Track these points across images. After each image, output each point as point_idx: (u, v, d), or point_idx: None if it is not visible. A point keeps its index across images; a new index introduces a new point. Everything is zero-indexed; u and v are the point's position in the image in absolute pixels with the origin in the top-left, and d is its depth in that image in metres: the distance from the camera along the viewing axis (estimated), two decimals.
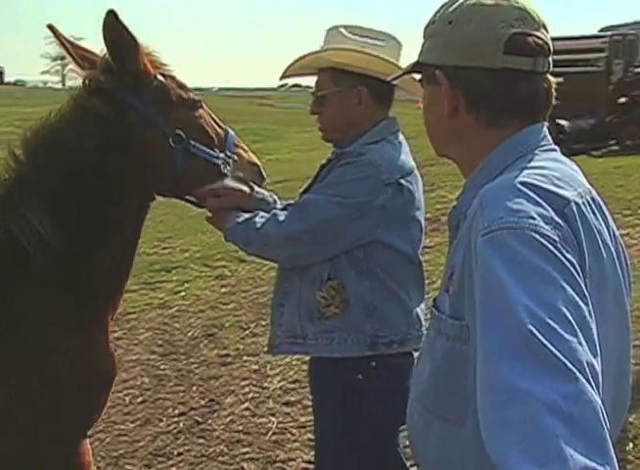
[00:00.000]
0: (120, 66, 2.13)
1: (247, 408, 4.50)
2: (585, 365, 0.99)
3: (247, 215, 2.34)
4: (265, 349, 5.20)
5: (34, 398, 2.08)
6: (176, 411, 4.49)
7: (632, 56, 16.82)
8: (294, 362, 5.07)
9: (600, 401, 0.98)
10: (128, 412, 4.53)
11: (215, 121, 2.40)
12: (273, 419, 4.33)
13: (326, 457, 2.47)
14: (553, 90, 1.37)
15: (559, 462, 0.91)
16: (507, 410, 0.98)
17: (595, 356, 1.03)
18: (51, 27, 2.24)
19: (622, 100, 15.66)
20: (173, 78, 2.30)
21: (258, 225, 2.29)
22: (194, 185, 2.32)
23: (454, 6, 1.36)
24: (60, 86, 73.67)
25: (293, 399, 4.58)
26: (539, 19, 1.35)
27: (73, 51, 2.26)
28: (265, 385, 4.80)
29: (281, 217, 2.30)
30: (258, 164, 2.49)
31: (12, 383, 2.05)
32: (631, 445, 3.58)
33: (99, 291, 2.27)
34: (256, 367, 5.09)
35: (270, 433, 4.17)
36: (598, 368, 1.02)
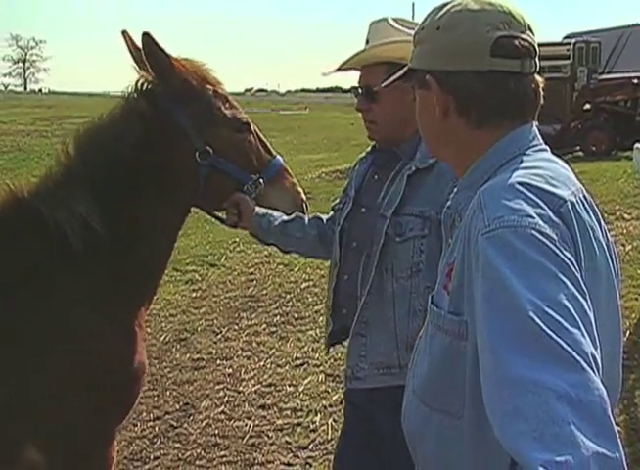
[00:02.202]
0: (160, 79, 2.28)
1: (222, 412, 4.47)
2: (590, 356, 1.03)
3: None
4: (239, 352, 5.30)
5: (76, 393, 2.18)
6: (151, 416, 4.44)
7: (595, 63, 17.16)
8: (268, 366, 5.07)
9: (605, 391, 1.00)
10: None
11: (265, 146, 2.51)
12: (249, 422, 4.30)
13: None
14: (541, 90, 1.41)
15: (572, 448, 0.92)
16: (518, 401, 1.00)
17: (595, 349, 1.06)
18: (125, 34, 2.36)
19: (587, 106, 15.95)
20: (226, 98, 2.42)
21: None
22: (216, 200, 2.45)
23: (441, 12, 1.39)
24: (21, 89, 71.69)
25: (269, 402, 4.56)
26: (525, 21, 1.38)
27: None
28: (240, 388, 4.77)
29: None
30: (304, 198, 2.58)
31: (48, 378, 2.14)
32: None
33: (140, 286, 2.40)
34: (230, 371, 5.06)
35: (247, 436, 4.14)
36: (599, 360, 1.05)
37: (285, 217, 2.50)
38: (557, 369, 0.99)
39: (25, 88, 77.90)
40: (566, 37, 19.36)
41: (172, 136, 2.30)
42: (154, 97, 2.29)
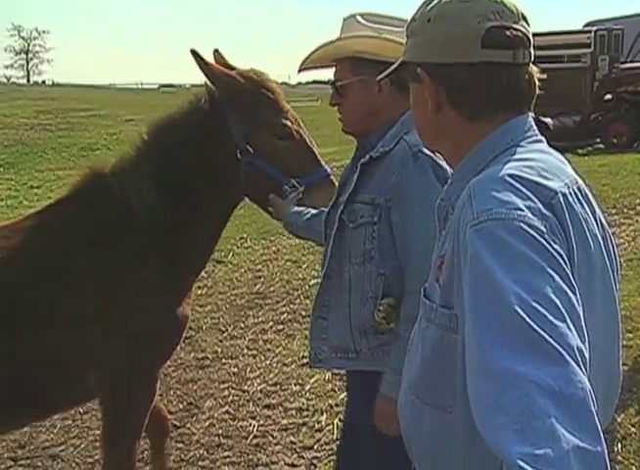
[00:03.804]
0: (214, 85, 2.68)
1: (226, 412, 4.40)
2: (575, 350, 1.02)
3: None
4: (244, 350, 5.22)
5: (130, 334, 2.66)
6: None
7: (618, 51, 16.78)
8: (274, 365, 5.00)
9: (589, 385, 1.00)
10: None
11: (314, 156, 2.76)
12: (254, 422, 4.23)
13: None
14: (536, 80, 1.39)
15: (552, 442, 0.92)
16: (499, 394, 1.00)
17: (583, 343, 1.06)
18: (193, 53, 2.62)
19: (608, 97, 15.63)
20: (274, 104, 2.72)
21: None
22: (258, 195, 2.74)
23: (432, 4, 1.39)
24: (24, 82, 69.87)
25: (274, 401, 4.48)
26: (518, 11, 1.36)
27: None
28: (245, 388, 4.70)
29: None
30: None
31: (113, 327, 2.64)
32: (620, 445, 3.50)
33: (190, 260, 2.83)
34: (236, 370, 4.99)
35: (251, 436, 4.08)
36: (587, 354, 1.05)
37: (312, 212, 2.62)
38: (540, 362, 1.00)
39: (28, 80, 75.06)
40: (586, 25, 19.00)
41: (219, 132, 2.67)
42: (212, 97, 2.69)
